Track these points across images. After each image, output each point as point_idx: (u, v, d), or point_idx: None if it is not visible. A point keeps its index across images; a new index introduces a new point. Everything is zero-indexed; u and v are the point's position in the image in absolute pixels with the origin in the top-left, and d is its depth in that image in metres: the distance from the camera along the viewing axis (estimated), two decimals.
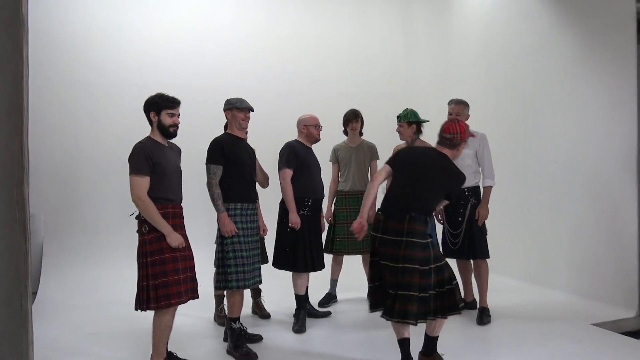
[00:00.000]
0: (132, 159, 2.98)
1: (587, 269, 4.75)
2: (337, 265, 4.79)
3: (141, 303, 3.00)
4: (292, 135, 4.26)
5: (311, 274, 4.10)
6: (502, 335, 3.82)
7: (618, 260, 4.45)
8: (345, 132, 4.75)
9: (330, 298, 4.78)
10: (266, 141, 4.98)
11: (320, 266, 4.09)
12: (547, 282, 5.17)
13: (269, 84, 6.28)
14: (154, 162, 2.97)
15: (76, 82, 5.54)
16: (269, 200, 4.31)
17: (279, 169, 4.01)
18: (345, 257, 4.74)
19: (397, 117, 4.35)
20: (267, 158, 4.46)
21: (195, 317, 4.29)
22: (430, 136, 4.51)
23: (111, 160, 5.41)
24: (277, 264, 4.07)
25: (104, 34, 5.68)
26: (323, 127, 4.22)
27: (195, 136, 4.47)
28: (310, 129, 4.12)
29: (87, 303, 4.77)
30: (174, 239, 2.99)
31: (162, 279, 2.95)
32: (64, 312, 4.57)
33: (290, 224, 3.90)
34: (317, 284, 4.61)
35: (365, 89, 6.65)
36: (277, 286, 4.60)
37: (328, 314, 4.40)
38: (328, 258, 4.46)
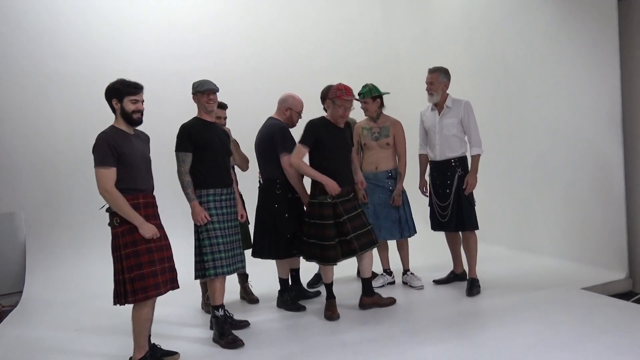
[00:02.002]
0: (95, 150, 2.87)
1: (576, 232, 4.71)
2: None
3: (119, 297, 2.93)
4: (270, 113, 4.10)
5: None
6: (492, 306, 3.77)
7: (606, 222, 4.40)
8: (325, 109, 4.62)
9: (319, 278, 4.72)
10: (243, 121, 4.84)
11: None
12: (537, 249, 5.13)
13: (243, 62, 6.11)
14: (118, 153, 2.86)
15: (45, 74, 5.36)
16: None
17: (282, 155, 3.78)
18: None
19: (359, 94, 4.23)
20: (245, 138, 4.33)
21: (182, 306, 4.23)
22: (392, 110, 4.42)
23: (88, 153, 5.07)
24: (263, 252, 3.94)
25: (72, 22, 5.47)
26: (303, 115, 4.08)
27: (169, 121, 4.32)
28: (293, 114, 3.98)
29: (73, 299, 4.70)
30: (147, 230, 2.90)
31: (137, 272, 2.87)
32: (49, 310, 4.50)
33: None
34: (304, 265, 4.55)
35: (343, 62, 6.47)
36: (263, 271, 4.54)
37: (318, 293, 4.34)
38: None
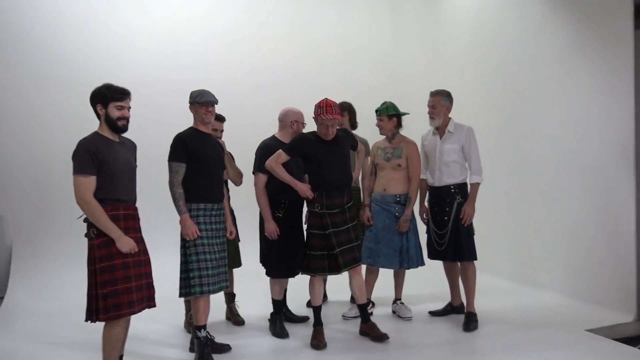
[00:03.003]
0: (75, 157, 2.72)
1: (583, 269, 4.47)
2: None
3: (90, 314, 2.77)
4: (275, 129, 3.98)
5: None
6: (489, 344, 3.55)
7: (615, 259, 4.17)
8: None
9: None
10: (246, 136, 4.72)
11: (296, 272, 3.79)
12: (540, 284, 4.89)
13: (249, 77, 6.03)
14: (100, 160, 2.71)
15: (43, 77, 5.29)
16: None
17: (253, 173, 3.76)
18: None
19: (376, 110, 4.08)
20: (247, 153, 4.19)
21: (164, 323, 4.06)
22: (410, 130, 4.26)
23: None
24: (264, 265, 3.86)
25: (72, 26, 5.42)
26: (307, 121, 3.96)
27: (165, 131, 4.20)
28: (299, 125, 3.85)
29: (53, 309, 4.54)
30: (124, 244, 2.74)
31: (111, 288, 2.70)
32: (27, 318, 4.35)
33: (265, 233, 3.70)
34: (304, 285, 4.38)
35: (352, 81, 6.37)
36: (252, 291, 4.36)
37: (306, 319, 4.14)
38: None
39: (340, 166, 3.61)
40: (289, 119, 3.86)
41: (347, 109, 4.45)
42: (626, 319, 3.98)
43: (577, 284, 4.51)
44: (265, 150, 3.73)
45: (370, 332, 3.64)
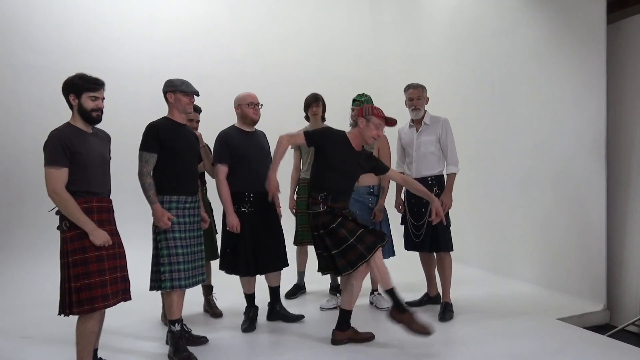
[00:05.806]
0: (46, 148, 2.67)
1: (555, 260, 4.58)
2: (301, 256, 4.61)
3: (63, 307, 2.73)
4: None
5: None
6: (464, 333, 3.61)
7: (585, 250, 4.28)
8: (307, 118, 4.46)
9: (298, 289, 4.64)
10: (222, 128, 4.67)
11: (270, 268, 3.71)
12: (514, 274, 5.00)
13: (227, 68, 5.97)
14: (72, 152, 2.67)
15: (16, 67, 5.15)
16: None
17: (213, 164, 3.67)
18: (309, 248, 4.49)
19: (359, 100, 4.08)
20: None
21: (139, 317, 4.03)
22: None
23: None
24: (221, 265, 3.73)
25: (44, 14, 5.28)
26: (284, 112, 3.91)
27: (142, 121, 4.14)
28: (243, 108, 3.68)
29: (25, 304, 4.46)
30: (98, 237, 2.69)
31: (84, 281, 2.67)
32: None
33: (227, 227, 3.58)
34: (286, 275, 4.36)
35: (330, 73, 6.37)
36: (230, 283, 4.33)
37: (301, 317, 3.92)
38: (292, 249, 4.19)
39: (351, 177, 3.44)
40: (235, 105, 3.77)
41: (320, 100, 4.41)
42: (596, 308, 4.09)
43: (549, 274, 4.62)
44: (221, 140, 3.63)
45: (354, 337, 3.43)
